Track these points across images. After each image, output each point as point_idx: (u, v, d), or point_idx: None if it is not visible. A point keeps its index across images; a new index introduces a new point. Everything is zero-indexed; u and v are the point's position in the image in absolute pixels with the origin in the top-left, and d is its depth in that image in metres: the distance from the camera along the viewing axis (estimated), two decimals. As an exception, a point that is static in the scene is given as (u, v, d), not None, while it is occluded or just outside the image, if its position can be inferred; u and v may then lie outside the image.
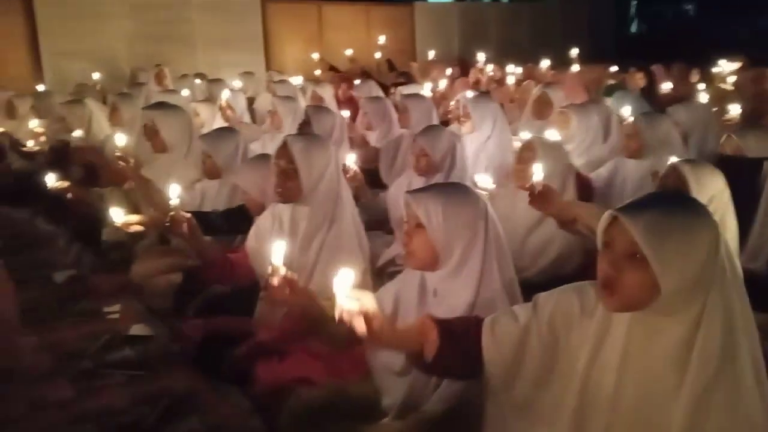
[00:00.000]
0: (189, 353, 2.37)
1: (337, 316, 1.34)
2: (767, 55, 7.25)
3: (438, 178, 3.12)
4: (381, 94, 5.52)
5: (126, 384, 2.30)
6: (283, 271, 1.66)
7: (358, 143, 4.14)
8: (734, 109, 3.78)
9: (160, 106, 3.60)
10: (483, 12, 11.66)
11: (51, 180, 3.35)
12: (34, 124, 4.36)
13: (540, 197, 2.32)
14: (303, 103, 5.13)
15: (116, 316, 2.86)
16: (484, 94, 4.52)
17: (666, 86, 6.24)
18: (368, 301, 1.37)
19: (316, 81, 7.83)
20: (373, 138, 4.66)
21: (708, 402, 1.22)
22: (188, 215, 2.24)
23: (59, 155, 4.43)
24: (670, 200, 1.34)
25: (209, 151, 2.95)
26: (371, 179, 4.17)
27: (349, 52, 8.13)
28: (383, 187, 3.95)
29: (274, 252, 1.66)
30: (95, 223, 3.66)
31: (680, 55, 8.03)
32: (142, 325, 2.72)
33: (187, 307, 2.81)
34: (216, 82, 6.11)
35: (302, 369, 2.08)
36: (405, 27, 10.50)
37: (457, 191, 1.81)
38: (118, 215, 2.52)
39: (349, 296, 1.33)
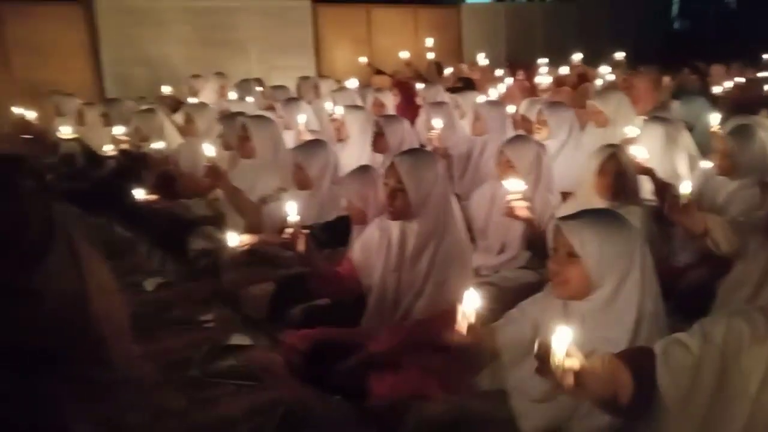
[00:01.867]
0: (295, 364, 2.42)
1: (552, 371, 1.29)
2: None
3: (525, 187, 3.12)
4: (447, 99, 5.51)
5: (237, 394, 2.37)
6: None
7: (440, 153, 4.14)
8: None
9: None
10: (530, 12, 11.59)
11: (139, 193, 3.45)
12: (119, 131, 4.48)
13: (683, 210, 2.30)
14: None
15: (212, 324, 2.94)
16: (558, 101, 4.46)
17: (725, 86, 6.07)
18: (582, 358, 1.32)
19: (369, 86, 7.95)
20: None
21: None
22: (306, 231, 2.28)
23: (132, 163, 4.54)
24: None
25: (302, 162, 3.00)
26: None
27: (405, 54, 8.13)
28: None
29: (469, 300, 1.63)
30: (179, 231, 3.75)
31: (726, 52, 7.87)
32: (241, 334, 2.80)
33: (283, 316, 2.87)
34: (279, 90, 6.17)
35: (418, 384, 2.10)
36: (452, 29, 10.50)
37: (612, 220, 1.75)
38: (233, 239, 2.58)
39: (567, 354, 1.28)
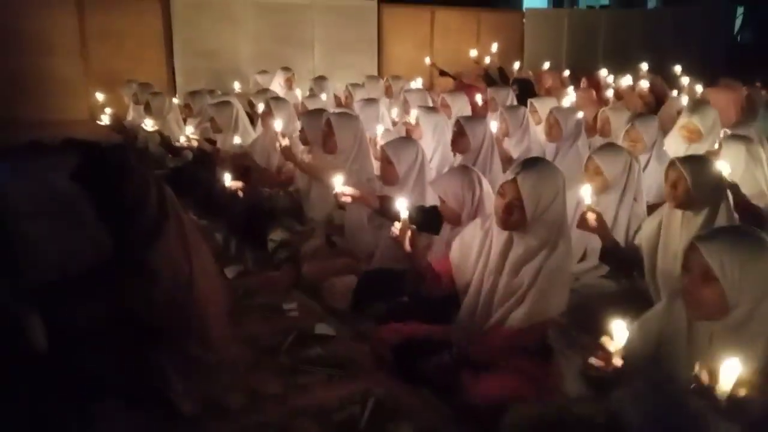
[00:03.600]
0: (384, 356, 2.46)
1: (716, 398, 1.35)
2: None
3: (611, 196, 3.11)
4: (516, 103, 5.51)
5: (328, 383, 2.43)
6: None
7: (502, 157, 4.16)
8: None
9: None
10: (593, 19, 11.44)
11: (227, 179, 3.55)
12: (190, 130, 4.64)
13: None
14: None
15: (296, 313, 3.02)
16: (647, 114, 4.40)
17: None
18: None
19: (432, 87, 7.99)
20: (509, 146, 4.69)
21: None
22: (413, 227, 2.32)
23: (207, 156, 4.67)
24: None
25: (392, 157, 3.05)
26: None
27: (473, 53, 8.12)
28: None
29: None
30: (259, 222, 3.85)
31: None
32: (325, 324, 2.87)
33: (366, 310, 2.93)
34: (355, 87, 6.24)
35: (515, 385, 2.12)
36: (514, 33, 10.44)
37: (753, 241, 1.68)
38: (338, 183, 2.79)
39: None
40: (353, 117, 3.96)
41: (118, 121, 5.82)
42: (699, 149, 4.10)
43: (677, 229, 2.74)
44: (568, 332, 2.46)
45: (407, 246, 2.29)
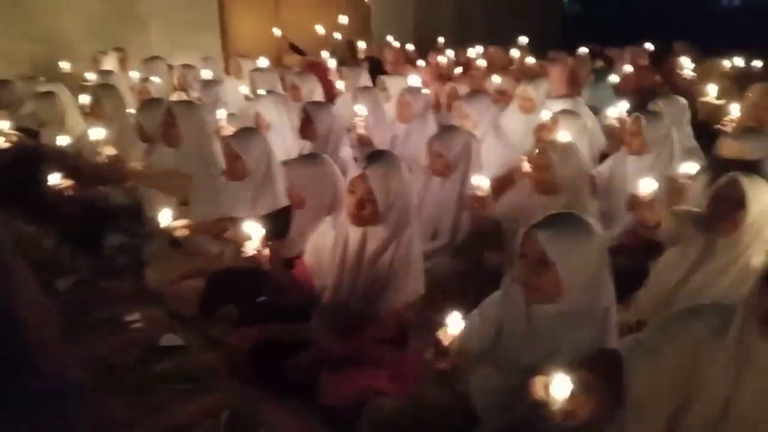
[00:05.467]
0: (238, 363, 2.35)
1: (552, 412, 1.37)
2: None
3: (454, 179, 3.18)
4: (370, 83, 5.46)
5: (179, 399, 2.27)
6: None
7: (364, 140, 4.11)
8: (735, 110, 3.76)
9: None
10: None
11: (54, 179, 3.19)
12: (5, 125, 4.10)
13: (646, 206, 2.47)
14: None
15: (139, 325, 2.79)
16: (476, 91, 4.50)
17: (626, 68, 6.37)
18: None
19: (281, 65, 7.73)
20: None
21: None
22: (271, 245, 2.25)
23: (28, 155, 4.19)
24: None
25: (239, 151, 2.88)
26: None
27: (320, 30, 7.95)
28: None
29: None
30: (94, 224, 3.52)
31: (620, 36, 8.25)
32: (172, 334, 2.68)
33: (216, 314, 2.78)
34: (188, 69, 5.87)
35: (372, 379, 2.10)
36: (361, 5, 10.37)
37: (583, 225, 1.75)
38: (166, 217, 2.46)
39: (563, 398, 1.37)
40: (196, 105, 3.72)
41: None
42: (533, 120, 4.34)
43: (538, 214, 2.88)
44: (424, 314, 2.50)
45: (266, 266, 2.20)
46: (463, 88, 5.16)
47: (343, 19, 8.27)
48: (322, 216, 2.52)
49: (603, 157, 3.97)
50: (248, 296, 2.67)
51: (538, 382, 1.39)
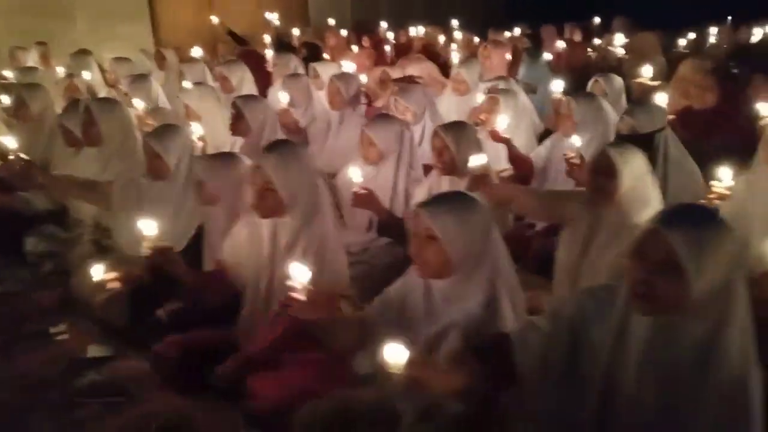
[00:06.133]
0: (167, 372, 2.29)
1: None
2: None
3: (387, 166, 3.16)
4: (301, 69, 5.36)
5: (104, 413, 2.20)
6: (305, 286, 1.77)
7: (291, 128, 4.04)
8: (661, 97, 3.67)
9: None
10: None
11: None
12: None
13: (481, 182, 2.55)
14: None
15: (65, 337, 2.70)
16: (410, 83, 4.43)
17: (559, 45, 6.43)
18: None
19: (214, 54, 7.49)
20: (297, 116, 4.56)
21: (732, 398, 1.37)
22: (166, 246, 2.20)
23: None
24: (699, 213, 1.48)
25: (158, 149, 2.79)
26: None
27: (274, 17, 7.73)
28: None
29: (296, 271, 1.77)
30: (14, 231, 3.36)
31: (566, 11, 8.33)
32: (98, 345, 2.60)
33: (146, 321, 2.69)
34: (121, 62, 5.65)
35: (300, 379, 2.07)
36: (298, -10, 10.15)
37: (466, 201, 1.85)
38: (98, 272, 2.32)
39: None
40: (117, 102, 3.58)
41: None
42: (469, 101, 4.34)
43: None
44: (358, 305, 2.48)
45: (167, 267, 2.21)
46: (399, 72, 5.12)
47: (272, 17, 8.05)
48: (237, 215, 2.47)
49: (548, 133, 3.99)
50: (172, 302, 2.59)
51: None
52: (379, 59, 6.62)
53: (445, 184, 2.93)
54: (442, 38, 7.56)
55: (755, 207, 2.49)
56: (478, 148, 2.86)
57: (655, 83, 4.09)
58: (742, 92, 4.01)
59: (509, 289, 1.84)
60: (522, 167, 3.42)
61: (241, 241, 2.36)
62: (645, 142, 2.82)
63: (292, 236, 2.25)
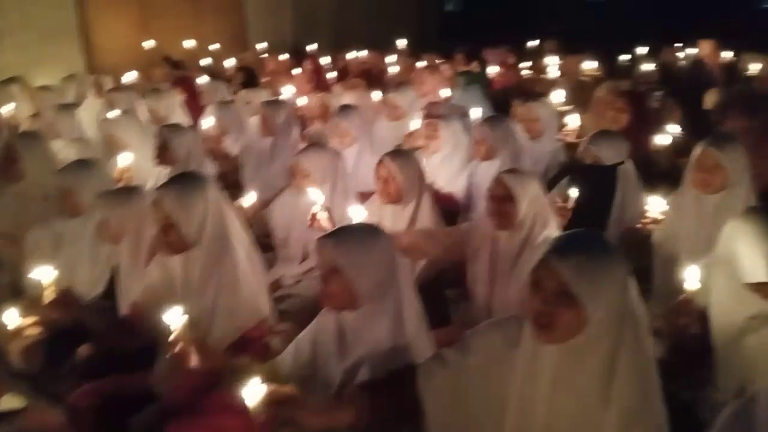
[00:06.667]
0: (83, 423, 2.17)
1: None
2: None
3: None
4: (231, 96, 5.29)
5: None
6: (183, 336, 1.79)
7: (218, 155, 3.96)
8: (572, 121, 3.79)
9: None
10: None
11: None
12: None
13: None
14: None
15: (-25, 388, 2.53)
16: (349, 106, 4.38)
17: (492, 70, 6.55)
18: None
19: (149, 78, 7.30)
20: (228, 145, 4.48)
21: (636, 420, 1.42)
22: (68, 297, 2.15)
23: None
24: (590, 241, 1.51)
25: (70, 185, 2.68)
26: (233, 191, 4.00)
27: (190, 43, 7.61)
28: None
29: (172, 319, 1.79)
30: None
31: (501, 35, 8.51)
32: (11, 395, 2.45)
33: (62, 368, 2.55)
34: (43, 92, 5.44)
35: (222, 427, 1.99)
36: (235, 12, 10.04)
37: (370, 231, 1.88)
38: (12, 318, 2.17)
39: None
40: (39, 137, 3.45)
41: None
42: (403, 126, 4.35)
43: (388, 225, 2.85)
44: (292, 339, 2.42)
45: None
46: (337, 99, 5.11)
47: (215, 47, 7.96)
48: (143, 252, 2.41)
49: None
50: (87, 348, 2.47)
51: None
52: (319, 83, 6.62)
53: (388, 213, 2.92)
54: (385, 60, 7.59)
55: (683, 229, 2.58)
56: (422, 177, 2.87)
57: (567, 107, 4.22)
58: (655, 113, 4.16)
59: (416, 318, 1.84)
60: (447, 204, 3.43)
61: (154, 281, 2.26)
62: (607, 173, 2.87)
63: (203, 271, 2.17)
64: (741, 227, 1.92)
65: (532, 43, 8.13)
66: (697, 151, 2.52)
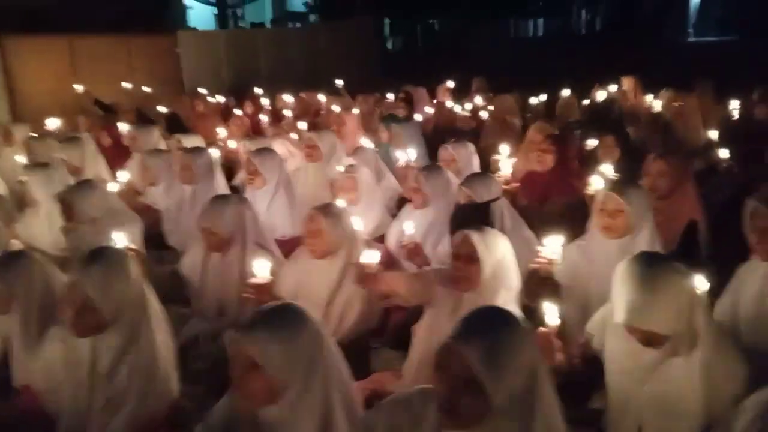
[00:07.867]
0: None
1: None
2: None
3: (232, 253, 3.02)
4: (163, 144, 5.14)
5: None
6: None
7: (139, 210, 3.79)
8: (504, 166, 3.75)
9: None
10: (251, 38, 11.45)
11: None
12: None
13: (368, 279, 2.49)
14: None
15: None
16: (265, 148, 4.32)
17: (426, 111, 6.57)
18: None
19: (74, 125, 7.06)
20: (156, 196, 4.33)
21: None
22: None
23: None
24: (497, 323, 1.45)
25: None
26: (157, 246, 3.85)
27: (127, 86, 7.45)
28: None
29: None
30: None
31: (438, 72, 8.63)
32: None
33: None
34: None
35: None
36: (170, 58, 9.95)
37: (289, 321, 1.67)
38: None
39: None
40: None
41: None
42: (324, 169, 4.31)
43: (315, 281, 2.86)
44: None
45: None
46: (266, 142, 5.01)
47: (127, 86, 7.82)
48: (35, 324, 2.23)
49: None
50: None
51: None
52: (256, 126, 6.53)
53: (314, 267, 2.84)
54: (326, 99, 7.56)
55: (592, 273, 2.55)
56: (352, 234, 2.84)
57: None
58: (581, 154, 4.21)
59: (344, 400, 1.70)
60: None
61: (55, 362, 2.08)
62: (481, 212, 2.87)
63: (115, 356, 2.01)
64: (618, 271, 1.90)
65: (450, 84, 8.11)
66: (600, 195, 2.53)
